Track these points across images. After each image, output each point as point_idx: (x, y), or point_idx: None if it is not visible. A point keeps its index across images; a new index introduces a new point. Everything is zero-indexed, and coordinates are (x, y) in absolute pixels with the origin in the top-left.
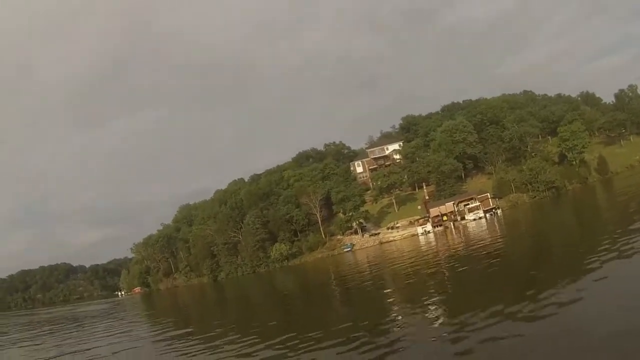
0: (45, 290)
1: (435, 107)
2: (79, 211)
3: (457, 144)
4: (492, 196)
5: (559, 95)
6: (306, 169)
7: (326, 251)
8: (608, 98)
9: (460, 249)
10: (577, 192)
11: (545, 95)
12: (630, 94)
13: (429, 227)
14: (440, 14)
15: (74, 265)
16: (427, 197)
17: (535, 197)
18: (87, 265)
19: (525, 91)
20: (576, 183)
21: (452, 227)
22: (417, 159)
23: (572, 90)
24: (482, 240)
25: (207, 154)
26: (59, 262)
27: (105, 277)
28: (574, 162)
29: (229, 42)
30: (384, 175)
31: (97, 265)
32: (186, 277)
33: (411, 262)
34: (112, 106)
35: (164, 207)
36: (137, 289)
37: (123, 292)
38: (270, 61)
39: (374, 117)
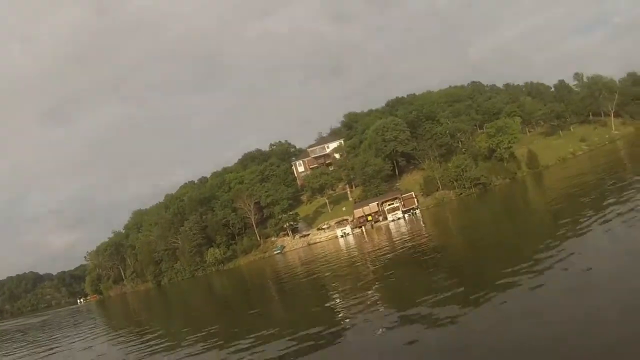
0: (13, 301)
1: (382, 102)
2: (45, 216)
3: (389, 142)
4: (420, 194)
5: (507, 85)
6: (247, 171)
7: (259, 253)
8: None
9: (372, 250)
10: (504, 188)
11: (494, 85)
12: (577, 81)
13: (347, 229)
14: None
15: (41, 273)
16: (350, 198)
17: (461, 194)
18: (54, 273)
19: (473, 82)
20: (504, 178)
21: (371, 228)
22: (352, 157)
23: (540, 74)
24: (396, 241)
25: (178, 149)
26: (26, 271)
27: (72, 283)
28: (503, 157)
29: (196, 29)
30: (315, 176)
31: (64, 272)
32: (133, 283)
33: (334, 263)
34: (75, 101)
35: (131, 208)
36: (94, 296)
37: (82, 300)
38: (236, 51)
39: (333, 107)
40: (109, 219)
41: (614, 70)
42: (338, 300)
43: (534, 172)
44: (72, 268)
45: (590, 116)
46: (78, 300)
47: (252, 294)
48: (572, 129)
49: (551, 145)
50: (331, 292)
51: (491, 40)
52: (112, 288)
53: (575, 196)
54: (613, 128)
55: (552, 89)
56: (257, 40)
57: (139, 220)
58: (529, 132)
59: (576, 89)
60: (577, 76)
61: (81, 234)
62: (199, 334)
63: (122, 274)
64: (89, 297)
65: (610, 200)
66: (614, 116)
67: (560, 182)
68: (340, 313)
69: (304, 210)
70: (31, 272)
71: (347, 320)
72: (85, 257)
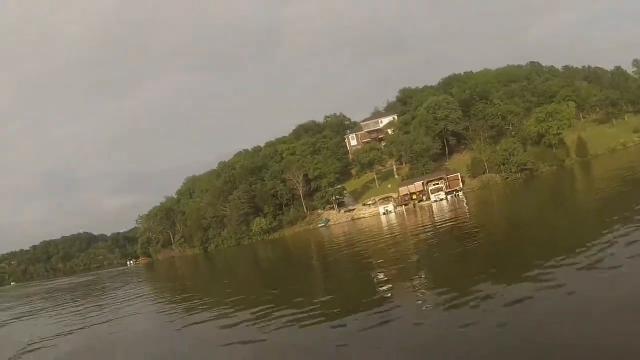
0: (67, 260)
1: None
2: (102, 179)
3: (440, 121)
4: (467, 175)
5: (566, 67)
6: (299, 143)
7: (304, 225)
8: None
9: (412, 230)
10: (550, 175)
11: (552, 67)
12: (636, 68)
13: (390, 207)
14: None
15: (96, 234)
16: (397, 176)
17: (507, 178)
18: (109, 234)
19: (531, 62)
20: (551, 165)
21: (413, 208)
22: (402, 134)
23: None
24: (437, 223)
25: (232, 119)
26: (81, 232)
27: (126, 245)
28: (552, 144)
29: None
30: (365, 151)
31: (118, 233)
32: (181, 248)
33: (377, 241)
34: (132, 72)
35: (187, 174)
36: (144, 259)
37: (132, 262)
38: (294, 23)
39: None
40: (167, 183)
41: None
42: (380, 281)
43: (582, 160)
44: (127, 230)
45: None
46: (128, 262)
47: (296, 265)
48: (626, 119)
49: (603, 133)
50: (373, 272)
51: (555, 20)
52: (160, 252)
53: (624, 192)
54: None
55: (610, 75)
56: (312, 13)
57: (192, 187)
58: (584, 118)
59: (635, 76)
60: (636, 63)
61: (136, 197)
62: (240, 305)
63: (172, 238)
64: (139, 260)
65: None
66: None
67: (609, 174)
68: (381, 293)
69: (352, 184)
70: (85, 232)
71: (389, 301)
72: (136, 220)
